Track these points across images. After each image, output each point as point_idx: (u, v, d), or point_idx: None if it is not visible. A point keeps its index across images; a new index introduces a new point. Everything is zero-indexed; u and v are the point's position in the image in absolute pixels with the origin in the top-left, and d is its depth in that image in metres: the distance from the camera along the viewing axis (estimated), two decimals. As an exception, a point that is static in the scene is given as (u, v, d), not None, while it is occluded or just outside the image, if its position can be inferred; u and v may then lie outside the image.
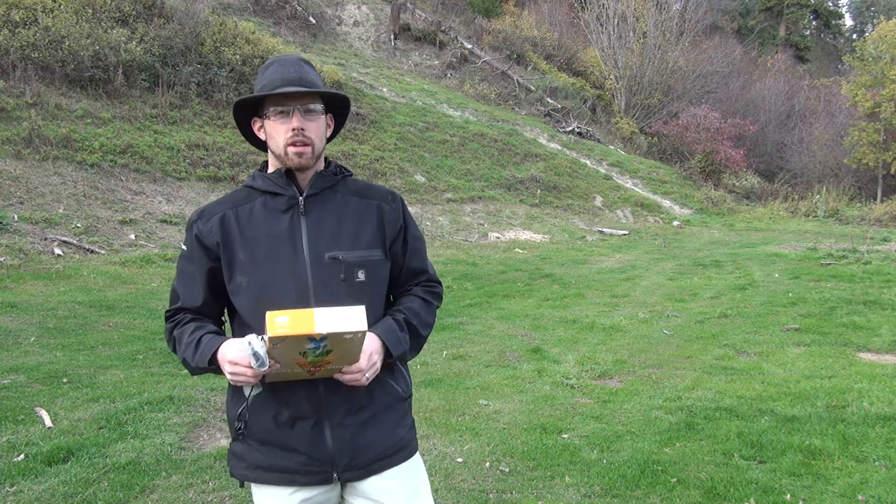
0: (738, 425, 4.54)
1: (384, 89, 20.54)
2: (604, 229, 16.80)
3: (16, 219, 9.68)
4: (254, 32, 17.01)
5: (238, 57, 15.49)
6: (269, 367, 1.56)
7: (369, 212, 1.84)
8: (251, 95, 1.79)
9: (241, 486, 1.89)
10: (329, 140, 1.89)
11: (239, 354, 1.58)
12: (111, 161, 11.96)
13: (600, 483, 3.70)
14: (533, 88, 25.57)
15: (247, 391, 1.72)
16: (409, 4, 26.91)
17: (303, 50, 19.76)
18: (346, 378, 1.68)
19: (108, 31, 13.90)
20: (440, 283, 1.99)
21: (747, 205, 22.86)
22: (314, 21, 23.54)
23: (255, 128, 1.86)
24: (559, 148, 22.08)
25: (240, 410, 1.78)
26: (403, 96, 20.69)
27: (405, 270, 1.91)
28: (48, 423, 4.13)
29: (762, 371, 5.96)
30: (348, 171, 1.89)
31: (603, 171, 21.78)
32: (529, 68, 27.40)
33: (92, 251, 9.64)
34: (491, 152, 19.32)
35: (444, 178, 16.97)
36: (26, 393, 4.65)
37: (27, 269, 8.50)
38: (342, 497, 1.87)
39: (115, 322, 6.83)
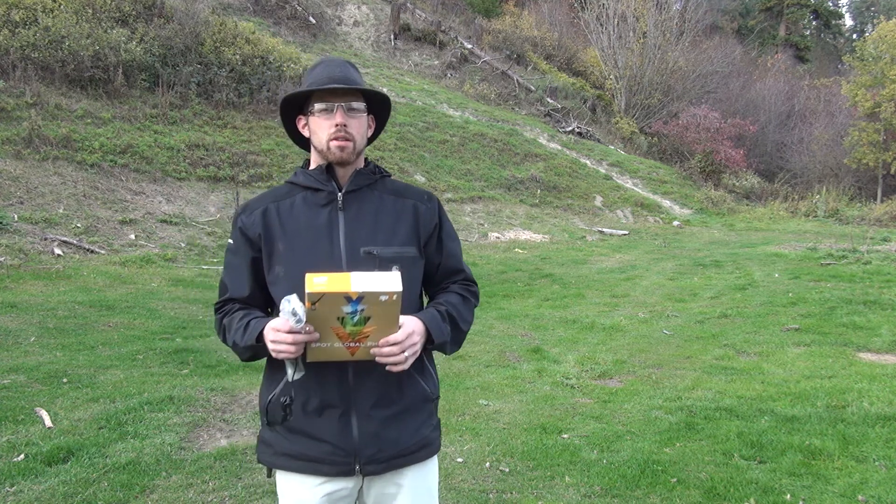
0: (738, 425, 4.54)
1: (384, 89, 20.53)
2: (604, 229, 16.80)
3: (16, 219, 9.68)
4: (254, 32, 17.01)
5: (238, 57, 15.49)
6: (308, 332, 1.59)
7: (405, 210, 1.89)
8: (298, 91, 1.86)
9: (269, 474, 1.92)
10: (370, 142, 1.96)
11: (279, 320, 1.61)
12: (111, 161, 11.96)
13: (600, 483, 3.70)
14: (533, 88, 25.57)
15: (290, 372, 1.70)
16: (409, 4, 26.91)
17: (303, 50, 19.75)
18: (384, 352, 1.66)
19: (108, 31, 13.90)
20: (476, 284, 2.03)
21: (747, 205, 22.86)
22: (314, 21, 23.54)
23: (300, 125, 1.94)
24: (559, 148, 22.08)
25: (271, 397, 1.81)
26: (403, 96, 20.69)
27: (441, 270, 1.95)
28: (48, 423, 4.13)
29: (762, 371, 5.96)
30: (387, 172, 1.95)
31: (603, 171, 21.78)
32: (529, 68, 27.40)
33: (92, 251, 9.64)
34: (491, 152, 19.33)
35: (444, 178, 16.97)
36: (26, 393, 4.65)
37: (27, 269, 8.50)
38: (360, 492, 1.90)
39: (115, 322, 6.83)
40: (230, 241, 1.91)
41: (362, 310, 1.59)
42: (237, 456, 3.88)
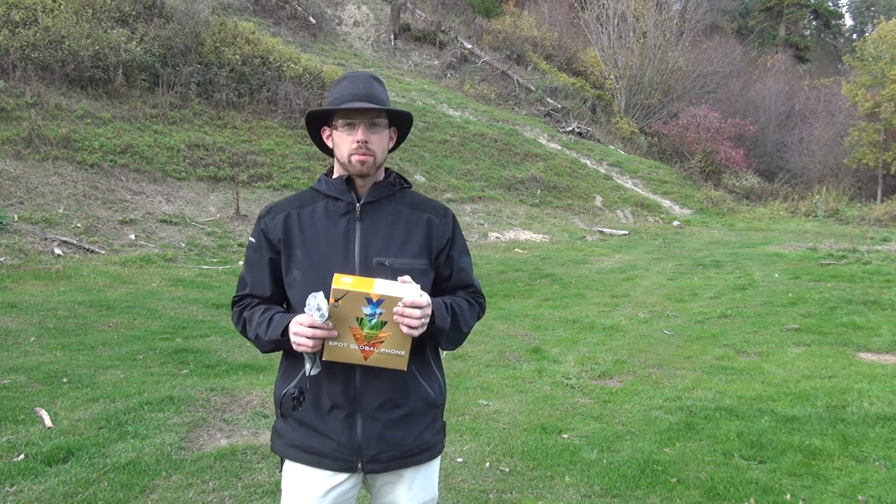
0: (738, 425, 4.54)
1: (384, 89, 20.52)
2: (604, 229, 16.80)
3: (16, 219, 9.68)
4: (254, 32, 17.00)
5: (238, 57, 15.49)
6: (328, 329, 1.72)
7: (420, 223, 1.97)
8: (322, 109, 1.94)
9: (281, 465, 2.01)
10: (391, 150, 2.03)
11: (303, 315, 1.73)
12: (111, 161, 11.96)
13: (600, 483, 3.70)
14: (533, 88, 25.56)
15: (307, 366, 1.79)
16: (409, 4, 26.91)
17: (303, 50, 19.75)
18: (406, 312, 1.72)
19: (108, 31, 13.90)
20: (484, 298, 2.11)
21: (747, 205, 22.86)
22: (314, 21, 23.54)
23: (325, 136, 2.02)
24: (559, 148, 22.09)
25: (287, 390, 1.90)
26: (403, 96, 20.69)
27: (452, 283, 2.02)
28: (48, 423, 4.13)
29: (762, 371, 5.96)
30: (407, 184, 2.03)
31: (603, 171, 21.78)
32: (529, 68, 27.40)
33: (92, 251, 9.64)
34: (491, 152, 19.33)
35: (444, 178, 16.97)
36: (26, 393, 4.65)
37: (27, 269, 8.50)
38: (364, 482, 2.00)
39: (115, 322, 6.83)
40: (252, 238, 2.01)
41: (380, 313, 1.72)
42: (237, 456, 3.88)
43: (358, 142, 1.87)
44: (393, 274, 1.84)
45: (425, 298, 1.75)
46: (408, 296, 1.71)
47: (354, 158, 1.88)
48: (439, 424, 2.02)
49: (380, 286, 1.71)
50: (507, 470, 3.88)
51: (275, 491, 3.51)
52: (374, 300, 1.70)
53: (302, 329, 1.72)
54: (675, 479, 3.74)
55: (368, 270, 1.86)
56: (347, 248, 1.89)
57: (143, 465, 3.68)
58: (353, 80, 1.94)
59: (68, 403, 4.49)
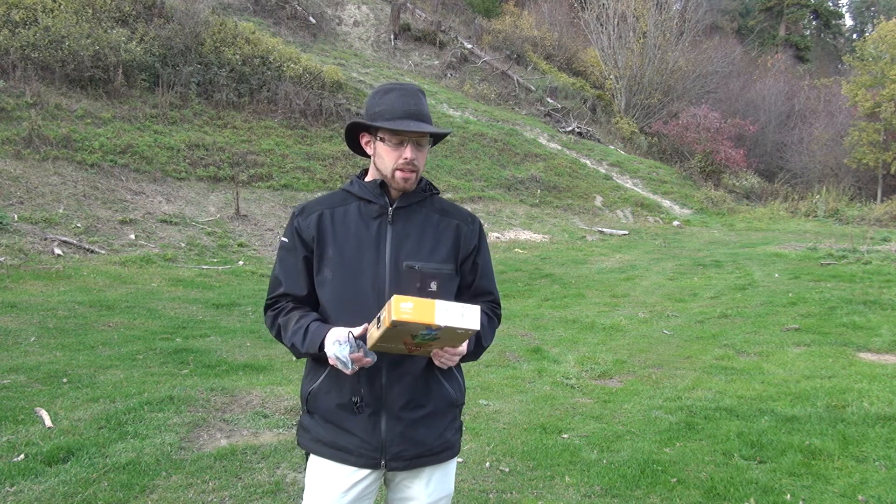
0: (738, 425, 4.54)
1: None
2: (604, 229, 16.80)
3: (16, 219, 9.68)
4: (254, 32, 17.00)
5: (238, 57, 15.49)
6: (364, 362, 1.74)
7: (449, 229, 2.01)
8: (373, 123, 1.93)
9: (306, 459, 2.06)
10: None
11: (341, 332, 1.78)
12: (111, 161, 11.96)
13: (600, 483, 3.70)
14: (533, 88, 25.56)
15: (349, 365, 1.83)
16: (409, 4, 26.90)
17: (303, 50, 19.74)
18: (443, 359, 1.85)
19: (108, 31, 13.90)
20: (501, 307, 2.16)
21: (747, 205, 22.85)
22: (314, 21, 23.54)
23: (363, 141, 2.03)
24: (559, 148, 22.08)
25: (312, 388, 1.97)
26: (403, 96, 20.66)
27: (474, 288, 2.07)
28: (48, 423, 4.13)
29: (762, 371, 5.96)
30: (436, 190, 2.08)
31: (603, 171, 21.78)
32: (529, 68, 27.39)
33: (92, 251, 9.64)
34: (491, 152, 19.32)
35: (444, 178, 16.97)
36: (26, 393, 4.65)
37: (27, 269, 8.50)
38: (384, 478, 2.05)
39: (115, 322, 6.83)
40: (284, 238, 2.02)
41: (436, 334, 1.71)
42: (237, 456, 3.88)
43: (405, 159, 1.90)
44: (421, 278, 1.91)
45: (464, 346, 1.83)
46: (471, 326, 1.69)
47: (399, 175, 1.92)
48: (458, 424, 2.08)
49: (441, 315, 1.67)
50: (507, 470, 3.88)
51: (275, 491, 3.51)
52: (434, 328, 1.68)
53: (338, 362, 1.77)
54: (675, 479, 3.74)
55: (398, 273, 1.90)
56: (378, 250, 1.93)
57: (143, 465, 3.68)
58: (404, 93, 1.94)
59: (68, 403, 4.49)
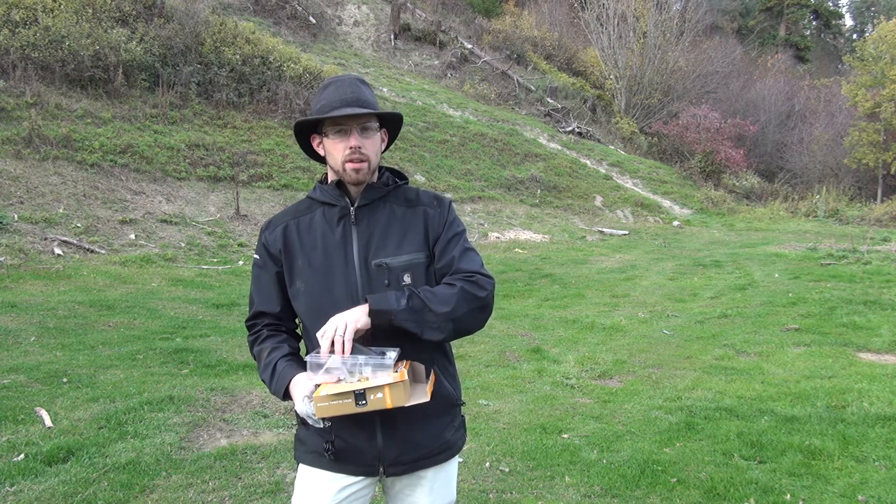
0: (738, 425, 4.54)
1: (384, 89, 20.53)
2: (604, 229, 16.80)
3: (16, 219, 9.68)
4: (254, 32, 17.00)
5: (238, 57, 15.49)
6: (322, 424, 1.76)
7: (416, 218, 1.93)
8: (310, 118, 1.89)
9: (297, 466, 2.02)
10: (383, 151, 2.00)
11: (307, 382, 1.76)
12: (111, 161, 11.96)
13: (600, 483, 3.70)
14: (533, 88, 25.57)
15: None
16: (409, 4, 26.90)
17: (303, 50, 19.75)
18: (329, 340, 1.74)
19: (108, 30, 13.90)
20: (489, 277, 1.90)
21: (747, 205, 22.85)
22: (314, 21, 23.54)
23: (315, 144, 1.97)
24: (559, 148, 22.08)
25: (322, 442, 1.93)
26: (403, 96, 20.68)
27: (446, 268, 1.90)
28: (48, 422, 4.13)
29: (762, 371, 5.96)
30: (402, 179, 2.00)
31: (603, 171, 21.78)
32: (529, 68, 27.39)
33: (92, 251, 9.64)
34: (491, 152, 19.32)
35: (444, 178, 16.97)
36: (26, 393, 4.65)
37: (27, 269, 8.50)
38: (381, 490, 2.01)
39: (115, 322, 6.83)
40: (256, 255, 1.99)
41: (372, 395, 1.67)
42: (237, 456, 3.88)
43: (351, 148, 1.84)
44: (393, 273, 1.84)
45: (330, 324, 1.73)
46: (381, 381, 1.66)
47: (349, 166, 1.85)
48: (458, 422, 2.01)
49: (360, 400, 1.65)
50: (507, 470, 3.88)
51: (275, 491, 3.51)
52: (358, 393, 1.65)
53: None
54: (675, 479, 3.74)
55: (368, 274, 1.85)
56: (346, 253, 1.88)
57: (143, 464, 3.68)
58: (339, 84, 1.89)
59: (68, 403, 4.49)
